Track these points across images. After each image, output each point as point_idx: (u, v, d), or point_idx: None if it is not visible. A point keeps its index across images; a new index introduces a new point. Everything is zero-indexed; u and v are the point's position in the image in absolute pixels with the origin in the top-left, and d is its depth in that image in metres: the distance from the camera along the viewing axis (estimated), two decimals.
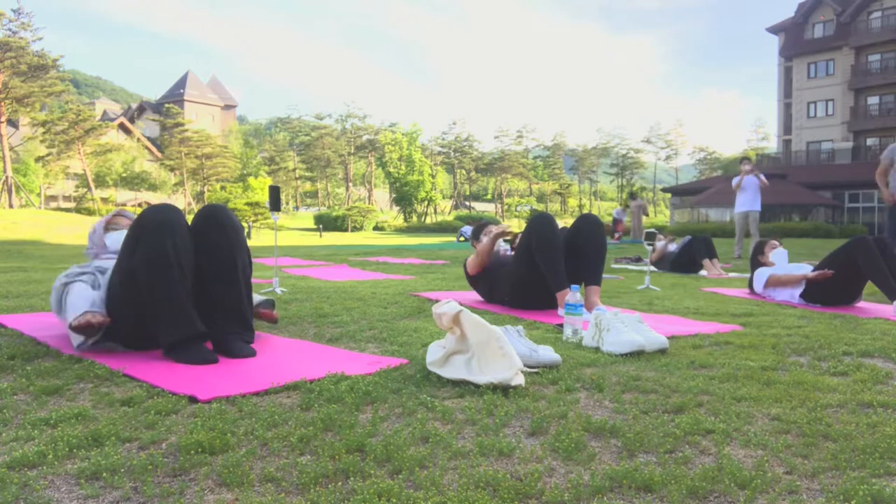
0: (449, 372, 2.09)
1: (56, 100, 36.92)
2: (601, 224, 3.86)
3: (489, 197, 74.21)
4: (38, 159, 39.69)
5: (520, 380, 1.99)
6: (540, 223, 3.64)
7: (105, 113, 61.61)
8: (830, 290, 4.40)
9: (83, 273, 2.62)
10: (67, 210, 35.47)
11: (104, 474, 1.31)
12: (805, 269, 4.72)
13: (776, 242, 5.21)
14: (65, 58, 39.97)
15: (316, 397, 1.85)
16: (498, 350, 2.02)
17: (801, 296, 4.55)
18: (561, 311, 3.33)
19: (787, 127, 43.01)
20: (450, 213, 55.83)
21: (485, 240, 4.02)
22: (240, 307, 2.51)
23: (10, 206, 29.99)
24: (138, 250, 2.31)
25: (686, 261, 7.72)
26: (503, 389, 1.95)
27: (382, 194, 70.03)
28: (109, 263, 2.66)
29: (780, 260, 5.01)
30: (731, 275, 7.48)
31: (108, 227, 2.94)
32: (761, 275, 4.94)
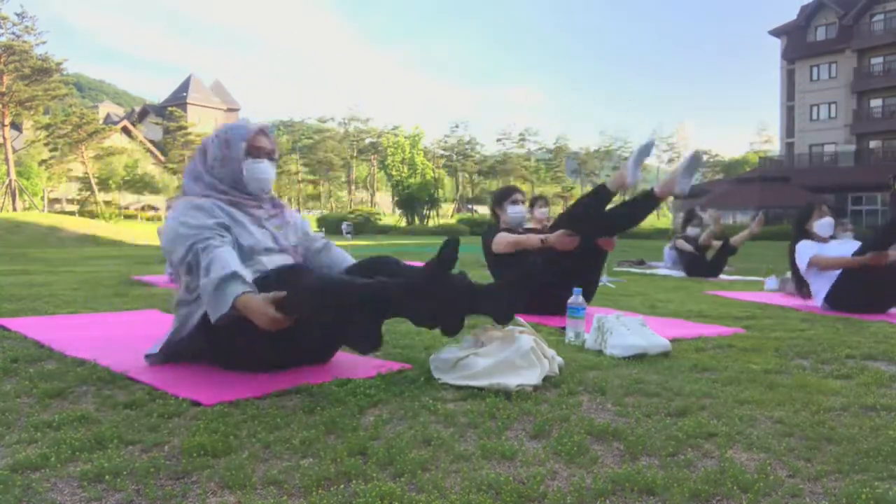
0: (458, 374, 2.07)
1: (59, 103, 37.00)
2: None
3: None
4: (41, 162, 39.77)
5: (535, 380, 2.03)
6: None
7: (108, 116, 61.72)
8: (863, 292, 4.12)
9: (213, 226, 2.14)
10: (71, 213, 35.53)
11: (107, 477, 1.31)
12: (851, 246, 4.34)
13: (827, 208, 4.64)
14: (68, 61, 40.09)
15: (319, 400, 1.85)
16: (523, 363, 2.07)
17: (827, 300, 4.29)
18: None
19: (789, 130, 42.97)
20: (452, 216, 55.84)
21: (533, 238, 3.68)
22: None
23: (14, 209, 30.06)
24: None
25: (704, 265, 7.58)
26: (505, 392, 1.95)
27: (385, 197, 70.10)
28: (245, 228, 2.26)
29: (825, 231, 4.51)
30: (734, 277, 7.47)
31: (251, 151, 2.33)
32: (804, 251, 4.44)
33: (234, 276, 1.95)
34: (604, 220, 3.58)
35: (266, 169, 2.36)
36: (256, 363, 2.20)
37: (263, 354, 2.18)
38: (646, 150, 3.47)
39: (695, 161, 3.46)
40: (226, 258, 2.00)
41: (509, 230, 4.01)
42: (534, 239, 3.63)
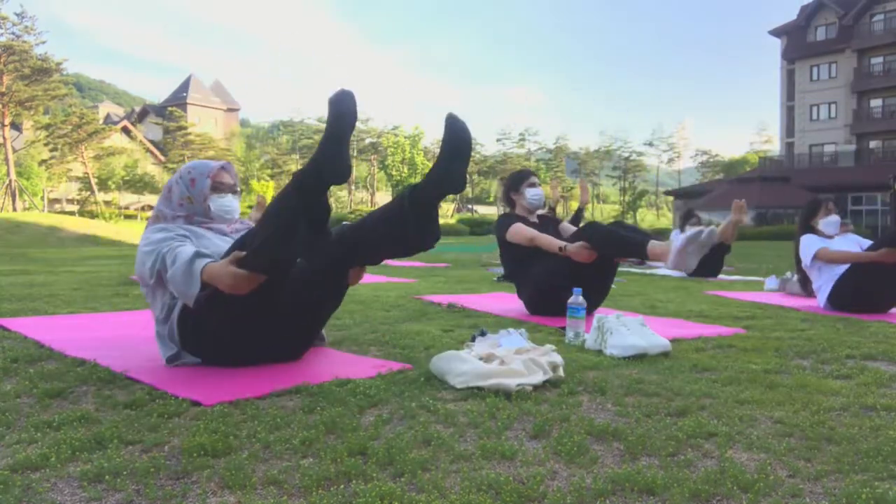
0: (460, 379, 2.07)
1: (59, 103, 37.00)
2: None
3: (491, 199, 74.27)
4: (41, 162, 39.78)
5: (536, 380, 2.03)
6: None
7: (108, 116, 61.78)
8: (865, 291, 4.12)
9: (174, 236, 2.26)
10: (71, 213, 35.53)
11: (107, 477, 1.31)
12: (855, 241, 4.32)
13: (833, 205, 4.55)
14: (68, 61, 40.07)
15: (319, 400, 1.85)
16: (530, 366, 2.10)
17: (829, 300, 4.28)
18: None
19: (789, 130, 42.98)
20: (452, 215, 55.84)
21: (552, 242, 3.55)
22: None
23: (14, 209, 30.07)
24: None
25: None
26: (505, 392, 1.95)
27: (385, 197, 70.10)
28: (209, 239, 2.34)
29: (831, 229, 4.48)
30: (734, 277, 7.47)
31: (216, 187, 2.43)
32: (810, 245, 4.38)
33: (197, 254, 2.07)
34: (626, 246, 3.41)
35: (230, 202, 2.48)
36: (223, 357, 2.25)
37: (229, 347, 2.24)
38: (700, 239, 3.03)
39: (705, 239, 3.05)
40: (187, 249, 2.11)
41: (524, 219, 3.91)
42: (553, 244, 3.52)
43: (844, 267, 4.26)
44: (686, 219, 8.15)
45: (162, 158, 52.19)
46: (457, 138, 1.98)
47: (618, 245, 3.39)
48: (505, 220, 3.88)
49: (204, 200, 2.41)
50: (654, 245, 3.24)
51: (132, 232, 22.43)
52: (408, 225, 2.00)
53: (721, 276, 7.41)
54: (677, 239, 3.11)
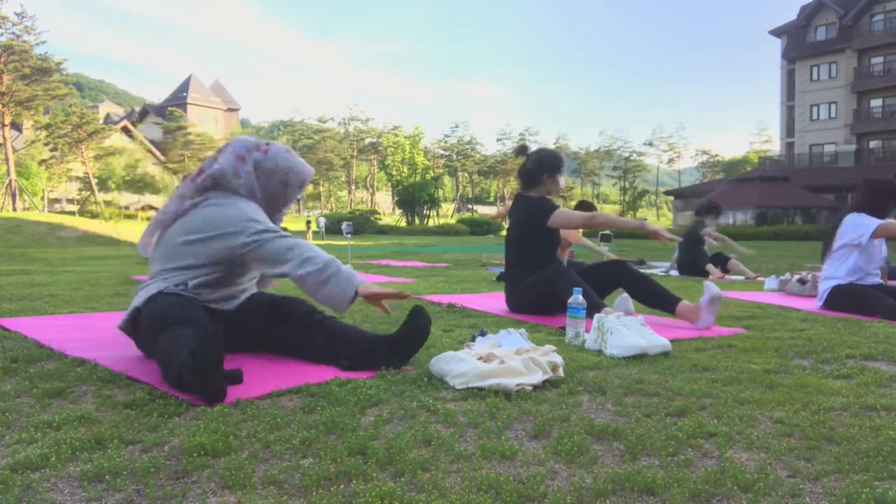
0: (460, 380, 2.07)
1: (59, 103, 37.00)
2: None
3: (491, 199, 74.33)
4: (41, 162, 39.78)
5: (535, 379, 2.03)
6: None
7: (108, 116, 61.77)
8: (857, 303, 4.14)
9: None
10: (71, 213, 35.52)
11: (107, 477, 1.31)
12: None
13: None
14: (68, 61, 40.06)
15: (318, 400, 1.85)
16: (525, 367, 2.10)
17: (826, 303, 4.32)
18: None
19: (789, 129, 43.01)
20: (452, 215, 55.84)
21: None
22: None
23: (14, 209, 30.08)
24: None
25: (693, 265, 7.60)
26: (505, 392, 1.95)
27: (385, 197, 70.17)
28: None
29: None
30: (733, 277, 7.47)
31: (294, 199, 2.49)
32: (867, 222, 4.21)
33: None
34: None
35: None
36: None
37: None
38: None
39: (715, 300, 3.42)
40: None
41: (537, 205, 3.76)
42: None
43: (848, 276, 4.27)
44: (709, 212, 7.91)
45: (162, 158, 52.15)
46: (420, 330, 2.32)
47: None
48: (541, 205, 3.73)
49: (283, 203, 2.44)
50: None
51: (132, 232, 22.42)
52: (374, 354, 2.30)
53: (725, 277, 7.42)
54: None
